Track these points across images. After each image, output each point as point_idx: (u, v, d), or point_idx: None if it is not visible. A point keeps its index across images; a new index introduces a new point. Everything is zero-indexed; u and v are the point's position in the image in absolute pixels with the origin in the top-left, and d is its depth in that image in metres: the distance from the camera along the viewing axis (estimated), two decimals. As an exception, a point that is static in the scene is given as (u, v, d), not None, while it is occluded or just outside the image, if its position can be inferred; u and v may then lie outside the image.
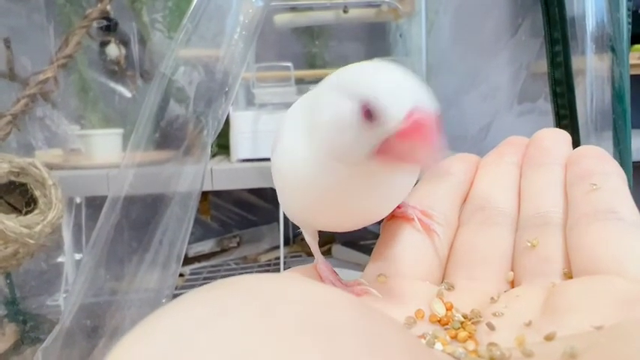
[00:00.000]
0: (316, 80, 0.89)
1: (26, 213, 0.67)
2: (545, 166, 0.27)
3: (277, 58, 0.86)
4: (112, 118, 0.89)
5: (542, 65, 0.68)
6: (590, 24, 0.67)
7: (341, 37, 0.96)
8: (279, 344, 0.10)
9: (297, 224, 0.27)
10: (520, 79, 0.99)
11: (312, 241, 0.27)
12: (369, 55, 0.93)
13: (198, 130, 0.64)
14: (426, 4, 0.82)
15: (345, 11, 0.81)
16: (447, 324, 0.20)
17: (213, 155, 0.83)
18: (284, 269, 0.81)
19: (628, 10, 0.66)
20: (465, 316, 0.20)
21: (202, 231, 1.02)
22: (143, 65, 0.89)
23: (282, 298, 0.12)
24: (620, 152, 0.66)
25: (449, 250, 0.25)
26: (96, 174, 0.74)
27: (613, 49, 0.66)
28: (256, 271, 0.90)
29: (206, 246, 0.98)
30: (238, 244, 1.00)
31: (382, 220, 0.26)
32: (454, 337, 0.19)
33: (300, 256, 0.96)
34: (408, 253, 0.25)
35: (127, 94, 0.89)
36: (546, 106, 0.68)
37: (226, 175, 0.75)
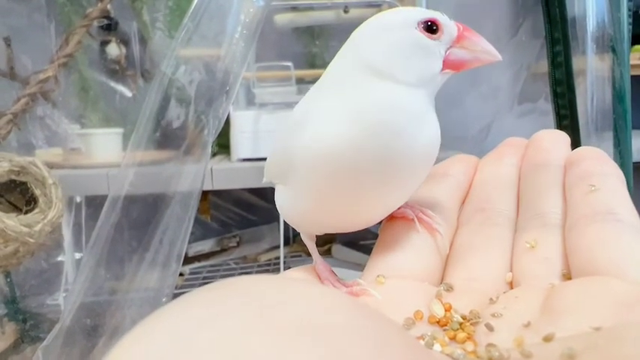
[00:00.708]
0: (316, 80, 0.89)
1: (26, 212, 0.67)
2: (544, 167, 0.27)
3: (278, 58, 0.86)
4: (113, 118, 0.89)
5: (543, 66, 0.68)
6: (591, 24, 0.67)
7: (341, 37, 0.95)
8: (278, 345, 0.10)
9: (297, 226, 0.27)
10: (520, 79, 0.99)
11: (310, 243, 0.27)
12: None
13: (198, 129, 0.64)
14: (426, 4, 0.81)
15: (345, 11, 0.81)
16: (445, 325, 0.20)
17: (214, 155, 0.83)
18: (284, 269, 0.81)
19: (629, 10, 0.66)
20: (463, 317, 0.20)
21: (202, 230, 1.02)
22: (144, 65, 0.89)
23: (281, 298, 0.12)
24: (621, 152, 0.66)
25: (448, 251, 0.26)
26: (96, 173, 0.74)
27: (614, 50, 0.66)
28: (256, 271, 0.90)
29: (206, 245, 0.98)
30: (238, 243, 1.00)
31: (382, 220, 0.26)
32: (453, 338, 0.19)
33: (300, 255, 0.96)
34: (407, 253, 0.25)
35: (128, 93, 0.89)
36: (547, 106, 0.68)
37: (226, 175, 0.75)
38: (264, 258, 0.95)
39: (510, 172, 0.28)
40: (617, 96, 0.66)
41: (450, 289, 0.23)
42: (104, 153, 0.80)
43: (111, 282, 0.64)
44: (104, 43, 0.86)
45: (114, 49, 0.86)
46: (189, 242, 0.88)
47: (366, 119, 0.22)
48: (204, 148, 0.64)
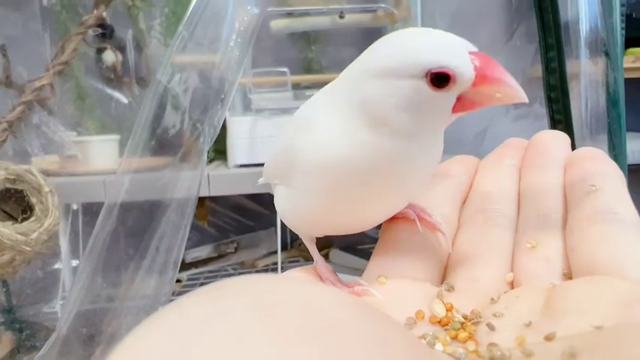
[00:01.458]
0: (313, 85, 0.90)
1: (22, 220, 0.67)
2: (545, 167, 0.27)
3: (274, 64, 0.86)
4: (109, 125, 0.89)
5: (538, 70, 0.68)
6: (584, 29, 0.67)
7: (337, 42, 0.97)
8: (279, 345, 0.10)
9: (297, 228, 0.26)
10: (515, 83, 1.00)
11: (310, 245, 0.27)
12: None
13: (194, 137, 0.64)
14: (421, 9, 0.82)
15: (341, 17, 0.81)
16: (447, 325, 0.20)
17: (211, 160, 0.83)
18: (282, 275, 0.81)
19: (621, 14, 0.67)
20: (465, 317, 0.20)
21: (199, 236, 1.02)
22: (139, 72, 0.89)
23: (281, 298, 0.12)
24: (615, 156, 0.66)
25: (450, 251, 0.25)
26: (92, 180, 0.74)
27: (607, 54, 0.66)
28: (254, 277, 0.89)
29: (203, 252, 0.98)
30: (236, 249, 1.00)
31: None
32: (454, 338, 0.19)
33: (297, 261, 0.96)
34: (408, 254, 0.25)
35: (124, 100, 0.89)
36: (542, 110, 0.69)
37: (223, 181, 0.75)
38: (261, 263, 0.95)
39: (511, 172, 0.28)
40: (611, 100, 0.67)
41: (451, 289, 0.23)
42: (100, 160, 0.80)
43: (108, 290, 0.63)
44: (100, 51, 0.86)
45: (110, 57, 0.86)
46: (187, 248, 0.88)
47: (363, 149, 0.22)
48: (200, 156, 0.64)
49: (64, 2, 0.87)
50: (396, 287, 0.23)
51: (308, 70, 0.97)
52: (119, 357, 0.11)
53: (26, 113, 0.71)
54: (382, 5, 0.79)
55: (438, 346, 0.18)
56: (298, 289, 0.13)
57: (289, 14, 0.84)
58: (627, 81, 0.69)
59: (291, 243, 1.00)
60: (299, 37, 0.97)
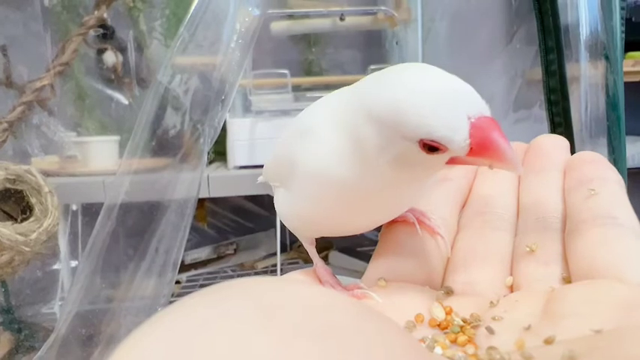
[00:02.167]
0: (313, 87, 0.90)
1: (22, 220, 0.66)
2: (544, 171, 0.27)
3: (274, 66, 0.86)
4: (109, 126, 0.89)
5: (538, 73, 0.68)
6: (584, 32, 0.67)
7: (337, 44, 0.97)
8: (279, 346, 0.10)
9: (297, 230, 0.27)
10: (515, 86, 1.00)
11: (310, 247, 0.27)
12: (366, 63, 0.93)
13: (194, 138, 0.64)
14: (422, 11, 0.82)
15: (341, 19, 0.81)
16: (446, 328, 0.20)
17: (211, 162, 0.83)
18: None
19: (621, 18, 0.67)
20: (464, 321, 0.20)
21: (199, 238, 1.02)
22: (140, 73, 0.89)
23: (282, 301, 0.12)
24: (615, 159, 0.66)
25: (449, 255, 0.26)
26: (92, 181, 0.74)
27: (607, 57, 0.66)
28: (253, 279, 0.89)
29: (203, 253, 0.98)
30: (235, 251, 1.00)
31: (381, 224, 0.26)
32: (454, 341, 0.19)
33: (297, 262, 0.96)
34: (408, 257, 0.25)
35: (124, 101, 0.89)
36: (542, 113, 0.69)
37: (223, 182, 0.75)
38: (261, 265, 0.95)
39: (510, 176, 0.28)
40: (611, 103, 0.67)
41: (450, 292, 0.23)
42: (100, 161, 0.80)
43: (107, 290, 0.63)
44: (100, 52, 0.86)
45: (110, 57, 0.86)
46: (186, 250, 0.88)
47: (359, 172, 0.22)
48: (199, 157, 0.64)
49: (65, 3, 0.87)
50: (395, 290, 0.23)
51: (308, 72, 0.97)
52: (122, 357, 0.11)
53: (26, 113, 0.71)
54: (383, 8, 0.79)
55: (438, 350, 0.18)
56: (299, 291, 0.13)
57: (290, 16, 0.84)
58: (627, 84, 0.69)
59: (291, 245, 1.00)
60: (299, 39, 0.97)
